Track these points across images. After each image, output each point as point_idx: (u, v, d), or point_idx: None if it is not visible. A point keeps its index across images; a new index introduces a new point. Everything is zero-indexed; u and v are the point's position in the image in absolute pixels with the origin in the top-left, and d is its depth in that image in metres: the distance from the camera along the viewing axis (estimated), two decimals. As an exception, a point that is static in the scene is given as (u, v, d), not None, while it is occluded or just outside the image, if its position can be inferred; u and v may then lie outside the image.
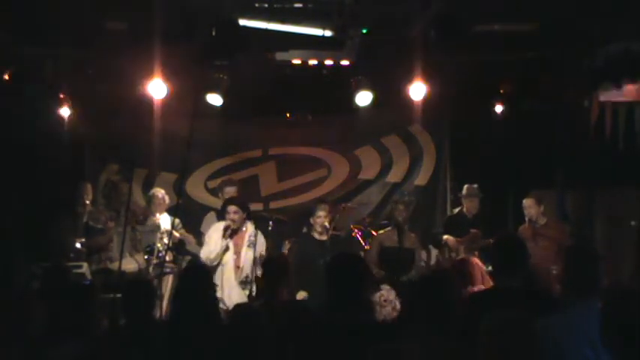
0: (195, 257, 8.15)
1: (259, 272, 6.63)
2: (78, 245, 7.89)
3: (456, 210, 8.55)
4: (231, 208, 7.10)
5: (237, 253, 7.03)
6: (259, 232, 7.17)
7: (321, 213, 7.54)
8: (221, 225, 7.13)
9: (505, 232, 7.29)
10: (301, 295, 6.92)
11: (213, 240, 7.07)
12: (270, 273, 5.06)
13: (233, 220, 7.00)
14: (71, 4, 6.65)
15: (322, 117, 9.69)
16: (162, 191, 8.35)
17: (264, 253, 7.11)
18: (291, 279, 5.65)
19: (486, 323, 3.10)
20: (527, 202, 7.83)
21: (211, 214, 8.29)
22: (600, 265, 3.74)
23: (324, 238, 7.54)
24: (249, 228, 7.19)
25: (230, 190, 8.11)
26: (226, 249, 6.99)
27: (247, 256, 7.03)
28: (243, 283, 6.94)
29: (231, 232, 7.00)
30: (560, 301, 4.01)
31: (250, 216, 7.30)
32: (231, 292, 6.86)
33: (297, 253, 7.54)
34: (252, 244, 7.06)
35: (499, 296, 3.96)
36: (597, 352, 3.19)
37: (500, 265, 4.19)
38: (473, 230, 7.99)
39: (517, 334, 3.03)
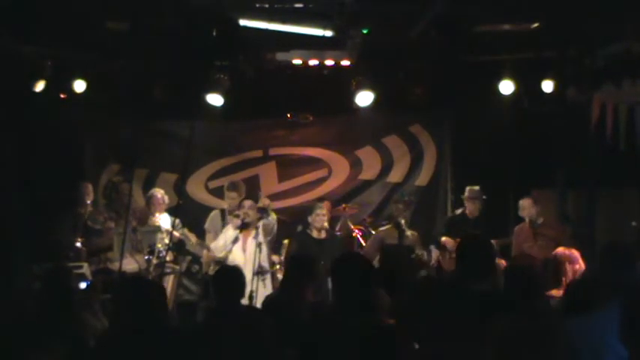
0: (196, 257, 8.19)
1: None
2: (78, 245, 7.89)
3: (459, 211, 8.52)
4: (247, 202, 7.31)
5: (244, 249, 7.16)
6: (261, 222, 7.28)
7: (320, 212, 7.55)
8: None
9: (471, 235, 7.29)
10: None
11: (223, 234, 7.32)
12: (297, 271, 5.01)
13: (247, 214, 7.12)
14: (72, 4, 6.65)
15: (323, 117, 9.70)
16: (162, 191, 8.35)
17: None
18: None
19: (500, 328, 3.10)
20: (525, 203, 7.84)
21: (216, 212, 8.28)
22: (635, 264, 3.75)
23: (322, 236, 7.55)
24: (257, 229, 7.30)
25: (232, 195, 8.03)
26: (235, 240, 7.07)
27: (252, 247, 7.15)
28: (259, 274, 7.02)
29: (242, 225, 7.10)
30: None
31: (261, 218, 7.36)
32: None
33: (294, 252, 7.54)
34: (257, 235, 7.23)
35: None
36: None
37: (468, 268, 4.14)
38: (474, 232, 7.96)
39: (530, 339, 3.03)
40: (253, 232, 7.20)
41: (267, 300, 5.12)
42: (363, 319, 3.64)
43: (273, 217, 7.40)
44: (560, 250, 5.39)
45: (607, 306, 3.42)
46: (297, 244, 7.62)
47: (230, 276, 4.55)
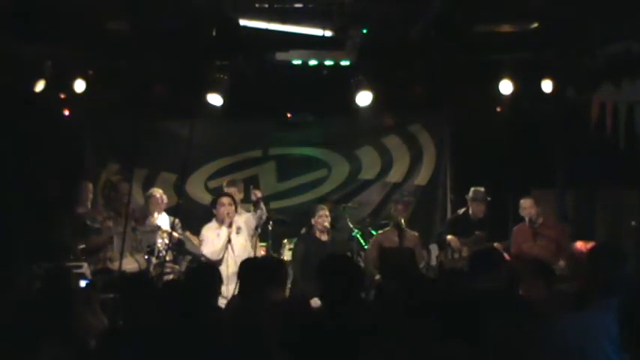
0: (195, 257, 8.17)
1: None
2: (77, 245, 7.89)
3: (461, 211, 8.46)
4: (225, 199, 7.20)
5: (231, 244, 7.15)
6: (238, 213, 7.30)
7: (322, 213, 7.55)
8: (212, 224, 7.24)
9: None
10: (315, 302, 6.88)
11: (210, 238, 7.17)
12: (258, 272, 4.96)
13: (229, 212, 7.12)
14: (71, 4, 6.65)
15: (322, 117, 9.70)
16: (160, 191, 8.35)
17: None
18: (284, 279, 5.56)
19: (498, 326, 3.11)
20: (526, 203, 7.78)
21: None
22: (626, 264, 3.75)
23: (325, 238, 7.55)
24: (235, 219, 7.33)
25: (231, 190, 8.07)
26: (229, 240, 7.07)
27: (239, 243, 7.14)
28: None
29: (230, 222, 7.13)
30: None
31: (236, 210, 7.37)
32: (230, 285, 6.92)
33: (298, 254, 7.54)
34: (239, 229, 7.21)
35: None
36: (620, 352, 3.19)
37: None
38: (477, 232, 7.95)
39: (527, 337, 3.04)
40: (234, 229, 7.21)
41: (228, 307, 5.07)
42: (349, 320, 3.66)
43: (262, 210, 7.40)
44: None
45: (600, 306, 3.42)
46: (302, 246, 7.60)
47: (210, 274, 4.58)
